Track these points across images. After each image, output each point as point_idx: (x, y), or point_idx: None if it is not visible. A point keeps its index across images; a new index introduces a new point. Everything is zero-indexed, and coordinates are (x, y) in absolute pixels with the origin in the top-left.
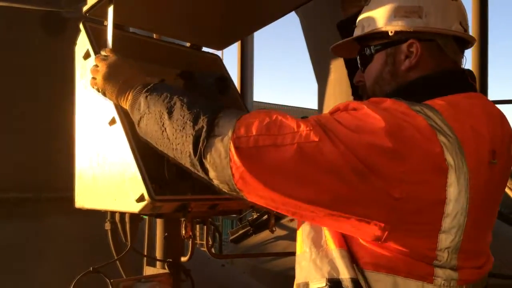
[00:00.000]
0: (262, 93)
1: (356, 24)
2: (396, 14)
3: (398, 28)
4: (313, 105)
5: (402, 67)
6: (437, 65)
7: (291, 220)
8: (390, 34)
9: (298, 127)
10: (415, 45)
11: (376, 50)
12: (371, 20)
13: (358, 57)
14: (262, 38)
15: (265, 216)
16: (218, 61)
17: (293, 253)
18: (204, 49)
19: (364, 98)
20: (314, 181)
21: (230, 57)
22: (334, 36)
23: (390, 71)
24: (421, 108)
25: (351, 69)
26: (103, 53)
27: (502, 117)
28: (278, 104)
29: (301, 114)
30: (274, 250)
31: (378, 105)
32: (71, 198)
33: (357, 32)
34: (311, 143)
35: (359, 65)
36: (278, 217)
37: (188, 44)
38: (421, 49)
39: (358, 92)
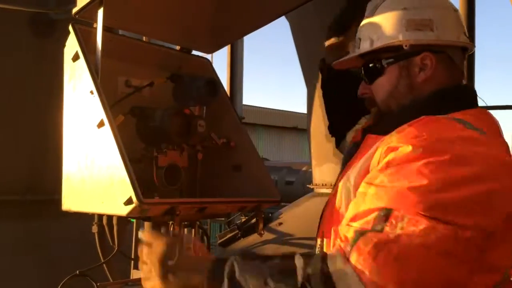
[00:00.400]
0: (251, 96)
1: (360, 37)
2: (408, 28)
3: (412, 42)
4: (302, 109)
5: (418, 79)
6: (450, 76)
7: (280, 224)
8: (404, 47)
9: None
10: (429, 57)
11: (388, 63)
12: (380, 33)
13: (363, 69)
14: (252, 41)
15: (254, 220)
16: (208, 64)
17: None
18: (194, 52)
19: (371, 111)
20: None
21: (220, 60)
22: (323, 40)
23: (406, 84)
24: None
25: (341, 84)
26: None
27: None
28: (268, 108)
29: (290, 117)
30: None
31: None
32: (58, 201)
33: (364, 46)
34: None
35: (364, 78)
36: (267, 220)
37: (178, 47)
38: (435, 61)
39: (358, 106)
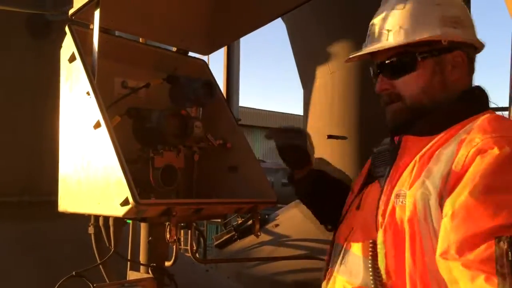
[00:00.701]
0: (248, 98)
1: (389, 28)
2: (443, 24)
3: (449, 38)
4: (299, 111)
5: (451, 77)
6: (470, 76)
7: (276, 225)
8: (443, 43)
9: None
10: (460, 55)
11: (422, 58)
12: (416, 26)
13: (389, 63)
14: (248, 43)
15: (250, 221)
16: (204, 66)
17: (277, 258)
18: (191, 54)
19: (392, 108)
20: None
21: (216, 62)
22: (320, 42)
23: (440, 80)
24: None
25: None
26: None
27: None
28: (264, 110)
29: (286, 120)
30: (259, 255)
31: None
32: (54, 202)
33: (398, 38)
34: None
35: (389, 72)
36: (263, 222)
37: (174, 49)
38: (465, 60)
39: (381, 101)
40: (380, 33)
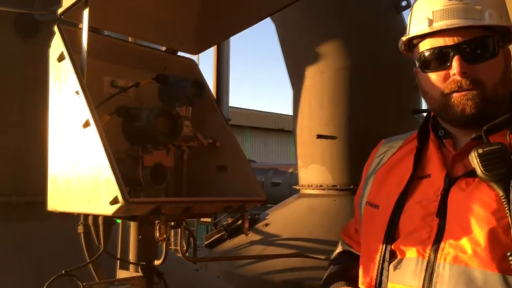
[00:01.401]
0: (238, 98)
1: (481, 6)
2: (509, 18)
3: None
4: (289, 111)
5: (510, 70)
6: None
7: (266, 225)
8: None
9: None
10: (510, 52)
11: (500, 46)
12: (503, 12)
13: (473, 45)
14: (238, 43)
15: (240, 221)
16: (194, 65)
17: (267, 256)
18: (180, 53)
19: (471, 95)
20: None
21: (206, 62)
22: (309, 42)
23: (509, 72)
24: None
25: None
26: None
27: None
28: (254, 110)
29: (276, 119)
30: (249, 254)
31: None
32: (43, 203)
33: (493, 19)
34: None
35: (471, 55)
36: (253, 221)
37: (163, 48)
38: None
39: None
40: (470, 10)
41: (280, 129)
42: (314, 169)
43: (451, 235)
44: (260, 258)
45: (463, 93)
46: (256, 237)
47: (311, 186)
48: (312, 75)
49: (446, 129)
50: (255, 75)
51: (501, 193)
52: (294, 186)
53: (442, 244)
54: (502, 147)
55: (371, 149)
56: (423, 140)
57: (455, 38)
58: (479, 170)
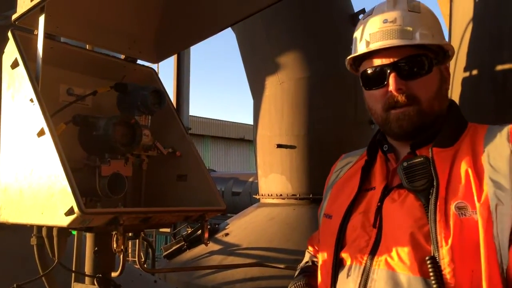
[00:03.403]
0: (198, 107)
1: (412, 28)
2: (444, 37)
3: (450, 51)
4: (249, 120)
5: (447, 86)
6: None
7: (226, 234)
8: (450, 53)
9: None
10: (448, 68)
11: (435, 63)
12: (434, 32)
13: (405, 63)
14: (199, 52)
15: (200, 231)
16: (153, 74)
17: (226, 266)
18: (139, 62)
19: (407, 111)
20: None
21: (166, 70)
22: (269, 52)
23: (445, 88)
24: None
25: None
26: None
27: None
28: (214, 119)
29: (237, 129)
30: (209, 265)
31: None
32: None
33: (424, 39)
34: None
35: (406, 72)
36: (213, 231)
37: (122, 56)
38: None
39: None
40: (402, 31)
41: (240, 138)
42: (274, 178)
43: (385, 243)
44: (220, 268)
45: (400, 110)
46: (216, 247)
47: (271, 195)
48: (272, 85)
49: (390, 144)
50: (216, 83)
51: (423, 201)
52: (254, 196)
53: (378, 252)
54: (424, 160)
55: (330, 158)
56: (374, 154)
57: (391, 58)
58: (404, 181)
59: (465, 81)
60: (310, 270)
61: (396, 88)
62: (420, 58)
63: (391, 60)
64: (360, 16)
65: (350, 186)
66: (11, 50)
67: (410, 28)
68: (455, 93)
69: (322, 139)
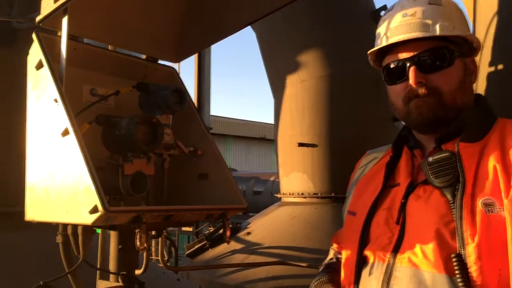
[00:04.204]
0: (219, 107)
1: (432, 21)
2: (468, 29)
3: (475, 43)
4: (270, 119)
5: (472, 79)
6: None
7: (247, 233)
8: (475, 45)
9: None
10: (474, 62)
11: (458, 55)
12: (456, 23)
13: (427, 56)
14: (220, 51)
15: (221, 230)
16: (174, 73)
17: (249, 265)
18: (161, 61)
19: (427, 102)
20: None
21: (187, 70)
22: (290, 51)
23: (469, 81)
24: None
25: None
26: None
27: None
28: (235, 118)
29: (258, 128)
30: (231, 263)
31: None
32: (21, 213)
33: (444, 30)
34: None
35: (426, 65)
36: (235, 230)
37: (144, 56)
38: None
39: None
40: (421, 24)
41: (262, 137)
42: (295, 177)
43: (408, 240)
44: (242, 267)
45: (420, 99)
46: (238, 245)
47: (293, 194)
48: (293, 83)
49: (416, 139)
50: (237, 82)
51: (449, 198)
52: (275, 194)
53: (400, 249)
54: (450, 155)
55: (352, 157)
56: (400, 151)
57: (411, 52)
58: (429, 177)
59: (490, 76)
60: (334, 267)
61: (416, 81)
62: (442, 50)
63: (411, 54)
64: (382, 13)
65: (374, 182)
66: (36, 52)
67: (429, 21)
68: (480, 88)
69: (343, 137)
